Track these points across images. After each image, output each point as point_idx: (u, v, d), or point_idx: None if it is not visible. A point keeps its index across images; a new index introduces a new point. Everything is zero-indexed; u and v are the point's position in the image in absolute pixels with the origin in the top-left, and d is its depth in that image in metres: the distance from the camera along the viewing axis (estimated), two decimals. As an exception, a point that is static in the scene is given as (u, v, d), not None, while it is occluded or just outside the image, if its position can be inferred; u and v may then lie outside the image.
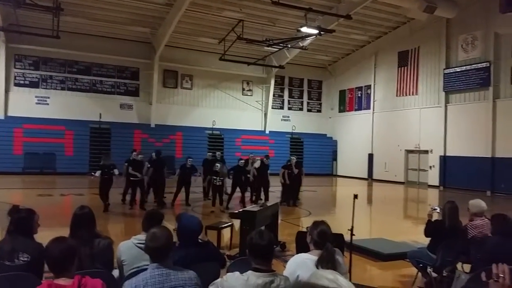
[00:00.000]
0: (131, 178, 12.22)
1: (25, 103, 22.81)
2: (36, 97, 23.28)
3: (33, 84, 23.30)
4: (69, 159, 22.81)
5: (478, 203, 5.62)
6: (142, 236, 3.61)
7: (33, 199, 13.58)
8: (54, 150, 22.58)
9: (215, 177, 12.39)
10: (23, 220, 3.73)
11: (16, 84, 22.99)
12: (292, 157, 15.18)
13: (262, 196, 13.65)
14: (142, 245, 3.21)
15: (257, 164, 13.62)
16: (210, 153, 15.97)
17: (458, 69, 21.38)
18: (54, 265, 2.64)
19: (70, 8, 19.42)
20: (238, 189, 13.30)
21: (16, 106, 22.65)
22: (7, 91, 22.60)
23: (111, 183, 11.72)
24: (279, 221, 8.91)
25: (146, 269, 2.83)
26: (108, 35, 23.72)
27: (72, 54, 23.43)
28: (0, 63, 22.08)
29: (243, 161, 13.60)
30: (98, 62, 24.46)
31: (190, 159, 13.27)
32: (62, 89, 23.92)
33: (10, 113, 22.61)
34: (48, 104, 23.46)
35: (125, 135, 24.00)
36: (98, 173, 11.77)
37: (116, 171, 11.80)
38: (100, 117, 23.66)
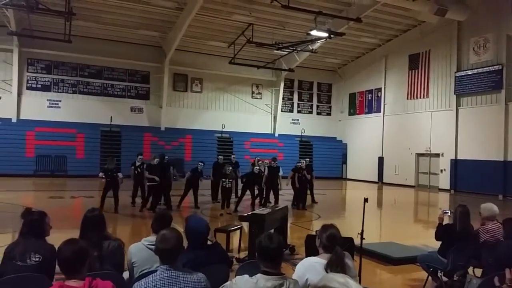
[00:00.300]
0: (149, 184, 12.19)
1: (37, 107, 23.10)
2: (48, 100, 23.58)
3: (45, 88, 23.60)
4: (80, 161, 23.02)
5: (490, 207, 5.56)
6: (152, 238, 3.62)
7: (45, 201, 13.72)
8: (65, 153, 22.82)
9: (224, 179, 12.44)
10: (35, 222, 3.77)
11: (28, 88, 23.30)
12: (302, 160, 15.14)
13: (272, 199, 13.63)
14: (153, 247, 3.23)
15: (266, 171, 13.55)
16: (221, 156, 16.03)
17: (469, 72, 21.19)
18: (65, 267, 2.66)
19: (81, 12, 19.65)
20: (248, 192, 13.29)
21: (29, 110, 22.95)
22: (19, 94, 22.92)
23: (115, 185, 11.79)
24: (289, 224, 8.89)
25: (156, 271, 2.85)
26: (119, 39, 23.95)
27: (83, 58, 23.71)
28: (13, 67, 22.41)
29: (258, 167, 13.55)
30: (109, 66, 24.72)
31: (201, 164, 13.38)
32: (74, 92, 24.19)
33: (22, 116, 22.92)
34: (59, 107, 23.74)
35: (135, 138, 24.16)
36: (101, 175, 11.99)
37: (120, 175, 11.93)
38: (111, 120, 23.85)
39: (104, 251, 3.73)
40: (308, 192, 14.71)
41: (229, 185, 12.49)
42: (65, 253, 2.66)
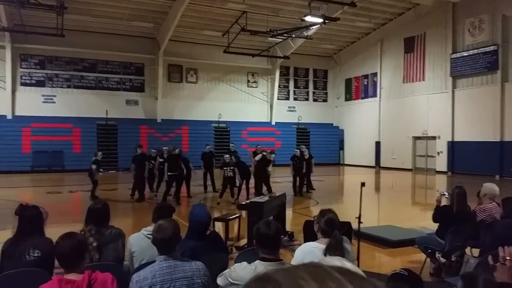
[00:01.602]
0: (169, 173, 12.21)
1: (32, 102, 22.97)
2: (42, 96, 23.43)
3: (40, 83, 23.44)
4: (77, 156, 22.94)
5: (492, 186, 5.62)
6: (151, 228, 3.64)
7: (43, 196, 13.74)
8: (62, 148, 22.75)
9: (225, 168, 12.38)
10: (31, 218, 3.78)
11: (22, 84, 23.14)
12: (296, 149, 15.14)
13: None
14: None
15: (258, 157, 13.35)
16: (209, 146, 16.00)
17: (465, 54, 21.14)
18: (64, 261, 2.67)
19: (73, 6, 19.44)
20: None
21: (23, 106, 22.81)
22: (14, 91, 22.76)
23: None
24: (287, 211, 8.93)
25: (154, 261, 2.86)
26: (112, 32, 23.74)
27: (77, 52, 23.51)
28: (6, 63, 22.20)
29: (261, 155, 13.51)
30: (103, 59, 24.53)
31: (209, 146, 13.48)
32: (68, 87, 24.04)
33: (17, 113, 22.80)
34: (54, 102, 23.61)
35: (131, 130, 24.09)
36: (95, 167, 12.72)
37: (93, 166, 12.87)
38: (107, 114, 23.76)
39: (105, 238, 3.77)
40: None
41: (230, 173, 12.34)
42: (63, 247, 2.67)
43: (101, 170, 13.26)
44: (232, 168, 12.39)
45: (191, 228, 3.81)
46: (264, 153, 13.58)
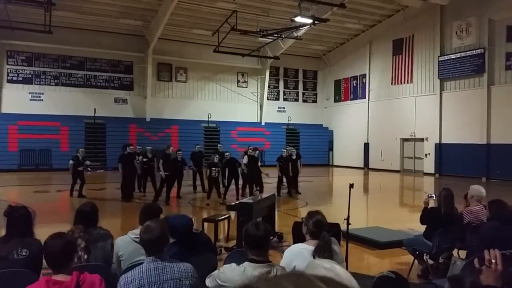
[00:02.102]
0: (165, 173, 12.23)
1: (19, 100, 22.66)
2: (30, 93, 23.13)
3: (27, 80, 23.13)
4: (64, 155, 22.53)
5: (479, 188, 5.68)
6: (138, 231, 3.61)
7: (30, 196, 13.57)
8: (49, 146, 22.49)
9: (214, 168, 12.37)
10: (19, 218, 3.73)
11: (9, 81, 22.81)
12: (283, 149, 15.05)
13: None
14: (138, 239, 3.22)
15: (245, 159, 13.09)
16: (198, 145, 16.02)
17: (452, 56, 21.38)
18: (52, 261, 2.63)
19: (61, 2, 19.22)
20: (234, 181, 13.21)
21: (10, 103, 22.50)
22: (0, 88, 22.44)
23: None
24: (276, 212, 8.94)
25: (142, 263, 2.84)
26: (101, 29, 23.53)
27: (65, 49, 23.26)
28: (-8, 59, 21.90)
29: (242, 153, 13.57)
30: (92, 57, 24.30)
31: (180, 152, 13.14)
32: (56, 84, 23.78)
33: (4, 110, 22.48)
34: (42, 100, 23.33)
35: (120, 129, 23.90)
36: (71, 163, 13.12)
37: (88, 162, 13.57)
38: (95, 112, 23.54)
39: (93, 237, 3.75)
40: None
41: (216, 174, 12.43)
42: (52, 247, 2.63)
43: (89, 169, 13.25)
44: (218, 168, 12.40)
45: (177, 236, 3.77)
46: (251, 152, 13.32)
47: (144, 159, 13.44)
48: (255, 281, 0.66)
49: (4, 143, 21.77)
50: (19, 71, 22.99)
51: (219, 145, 16.42)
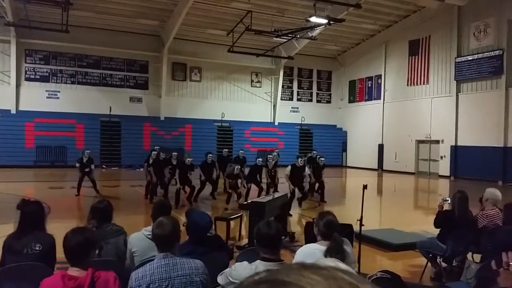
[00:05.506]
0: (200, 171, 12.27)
1: (36, 98, 23.03)
2: (46, 91, 23.50)
3: (44, 79, 23.50)
4: (80, 152, 22.93)
5: (494, 191, 5.58)
6: (151, 228, 3.64)
7: (45, 191, 13.79)
8: (65, 144, 22.80)
9: (233, 180, 11.88)
10: (32, 213, 3.79)
11: (27, 79, 23.21)
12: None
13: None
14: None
15: (287, 171, 11.30)
16: (226, 149, 15.26)
17: (470, 58, 21.07)
18: (69, 255, 2.68)
19: (79, 2, 19.47)
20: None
21: (27, 101, 22.89)
22: (18, 85, 22.83)
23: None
24: (293, 212, 8.91)
25: (153, 259, 2.86)
26: (117, 29, 23.78)
27: (81, 48, 23.58)
28: (11, 58, 22.29)
29: (261, 159, 13.00)
30: (108, 56, 24.58)
31: (211, 155, 12.72)
32: (72, 83, 24.11)
33: (21, 108, 22.87)
34: (58, 98, 23.68)
35: (135, 128, 24.15)
36: (78, 165, 13.42)
37: (92, 166, 13.62)
38: (110, 111, 23.81)
39: (106, 233, 3.80)
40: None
41: (239, 185, 11.87)
42: (70, 242, 2.68)
43: (92, 167, 13.52)
44: (240, 180, 11.92)
45: (192, 233, 3.77)
46: (260, 161, 12.80)
47: (170, 167, 12.30)
48: (283, 273, 0.62)
49: (21, 140, 22.14)
50: (36, 69, 23.38)
51: (240, 151, 15.02)
